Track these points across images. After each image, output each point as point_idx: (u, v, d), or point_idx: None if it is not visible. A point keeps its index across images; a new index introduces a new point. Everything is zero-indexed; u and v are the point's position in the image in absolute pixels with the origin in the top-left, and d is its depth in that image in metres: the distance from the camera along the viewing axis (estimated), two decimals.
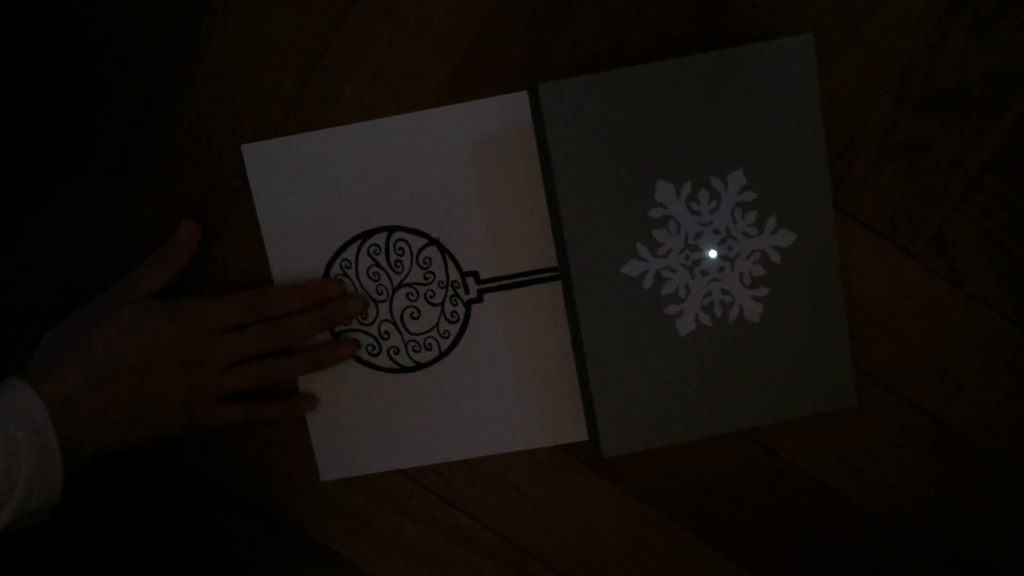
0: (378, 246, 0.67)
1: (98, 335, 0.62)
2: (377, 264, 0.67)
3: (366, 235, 0.67)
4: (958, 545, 0.70)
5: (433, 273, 0.67)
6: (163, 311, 0.63)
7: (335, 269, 0.67)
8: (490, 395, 0.69)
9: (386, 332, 0.68)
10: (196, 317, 0.63)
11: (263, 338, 0.65)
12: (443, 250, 0.67)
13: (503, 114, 0.65)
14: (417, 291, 0.68)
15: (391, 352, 0.68)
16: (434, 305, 0.68)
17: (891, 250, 0.66)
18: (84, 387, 0.60)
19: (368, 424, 0.69)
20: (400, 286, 0.68)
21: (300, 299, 0.66)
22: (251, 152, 0.66)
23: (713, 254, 0.63)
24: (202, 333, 0.63)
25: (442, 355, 0.68)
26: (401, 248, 0.67)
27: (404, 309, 0.68)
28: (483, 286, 0.68)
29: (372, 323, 0.68)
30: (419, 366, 0.68)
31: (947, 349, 0.68)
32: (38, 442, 0.57)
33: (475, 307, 0.68)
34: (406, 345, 0.68)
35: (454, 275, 0.67)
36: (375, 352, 0.68)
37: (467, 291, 0.68)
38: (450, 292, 0.68)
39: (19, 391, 0.58)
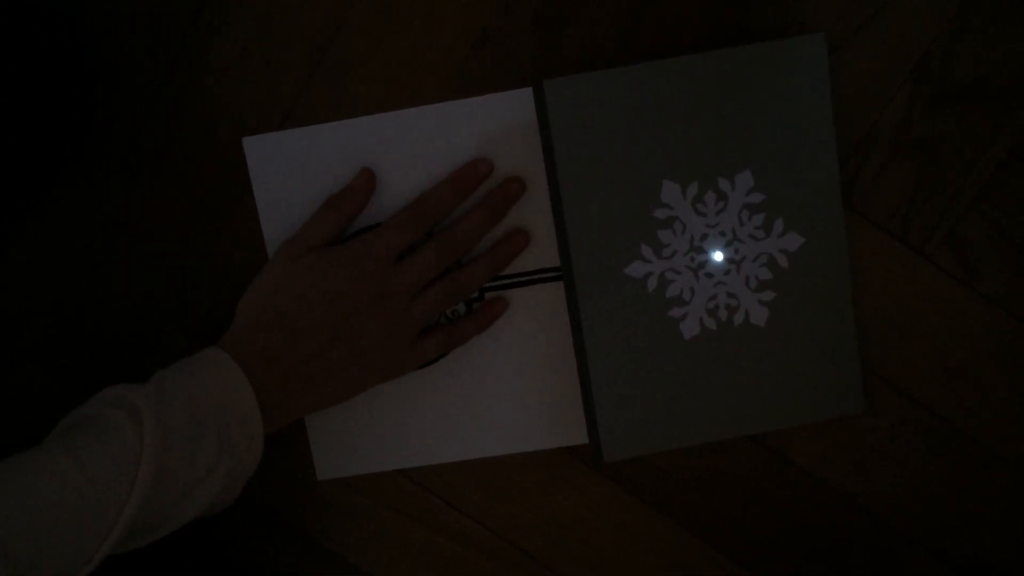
0: None
1: (283, 292, 0.62)
2: None
3: (368, 231, 0.66)
4: (969, 550, 0.70)
5: None
6: (335, 256, 0.62)
7: None
8: (490, 396, 0.68)
9: None
10: (366, 252, 0.62)
11: (439, 251, 0.63)
12: None
13: (509, 110, 0.64)
14: None
15: None
16: None
17: (903, 250, 0.65)
18: (282, 346, 0.60)
19: (366, 423, 0.69)
20: None
21: (459, 189, 0.64)
22: (252, 145, 0.65)
23: (719, 256, 0.62)
24: (378, 266, 0.62)
25: (442, 354, 0.67)
26: None
27: None
28: (485, 285, 0.67)
29: None
30: (419, 365, 0.67)
31: (960, 351, 0.67)
32: (245, 440, 0.57)
33: (476, 306, 0.67)
34: None
35: None
36: None
37: None
38: None
39: (231, 375, 0.58)
